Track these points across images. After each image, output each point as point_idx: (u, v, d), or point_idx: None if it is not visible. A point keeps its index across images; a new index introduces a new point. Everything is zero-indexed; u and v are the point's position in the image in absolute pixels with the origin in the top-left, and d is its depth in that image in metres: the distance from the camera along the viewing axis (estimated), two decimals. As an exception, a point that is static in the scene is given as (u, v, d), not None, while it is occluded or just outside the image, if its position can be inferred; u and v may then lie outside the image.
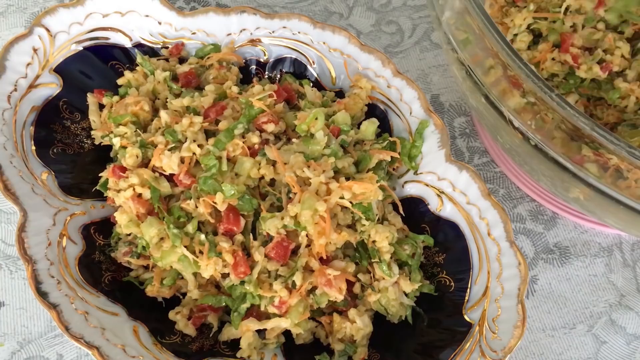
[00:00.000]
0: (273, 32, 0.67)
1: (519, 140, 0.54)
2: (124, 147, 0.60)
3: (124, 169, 0.59)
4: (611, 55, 0.64)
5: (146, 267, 0.60)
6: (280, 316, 0.56)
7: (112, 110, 0.64)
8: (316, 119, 0.59)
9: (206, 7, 0.74)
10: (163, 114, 0.61)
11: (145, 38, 0.68)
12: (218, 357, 0.56)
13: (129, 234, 0.60)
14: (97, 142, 0.65)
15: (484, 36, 0.50)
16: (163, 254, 0.56)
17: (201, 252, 0.55)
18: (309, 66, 0.69)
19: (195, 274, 0.58)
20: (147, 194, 0.58)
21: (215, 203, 0.56)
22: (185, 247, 0.55)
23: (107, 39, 0.67)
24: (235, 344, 0.57)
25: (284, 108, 0.64)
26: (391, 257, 0.58)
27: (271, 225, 0.55)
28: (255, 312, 0.58)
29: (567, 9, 0.66)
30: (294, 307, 0.55)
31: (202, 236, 0.56)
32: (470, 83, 0.56)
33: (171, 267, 0.58)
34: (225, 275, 0.58)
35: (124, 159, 0.59)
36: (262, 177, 0.59)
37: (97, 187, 0.61)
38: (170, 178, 0.59)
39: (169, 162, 0.58)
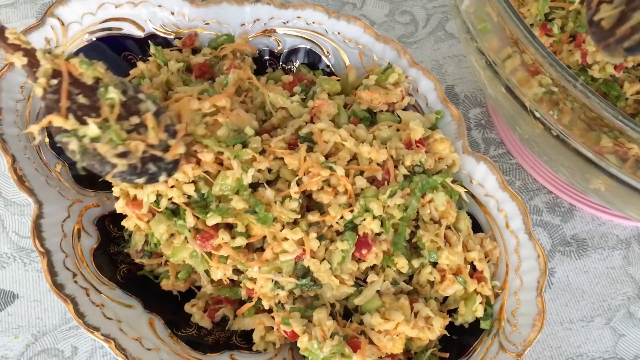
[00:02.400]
0: (287, 22, 0.67)
1: (540, 131, 0.53)
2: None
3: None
4: None
5: (161, 260, 0.60)
6: None
7: (126, 102, 0.63)
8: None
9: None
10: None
11: (158, 28, 0.67)
12: (234, 350, 0.56)
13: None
14: (110, 134, 0.65)
15: (504, 24, 0.49)
16: (174, 251, 0.55)
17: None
18: (323, 57, 0.68)
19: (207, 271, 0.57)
20: None
21: None
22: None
23: (120, 29, 0.66)
24: (251, 337, 0.57)
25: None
26: None
27: None
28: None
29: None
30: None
31: None
32: (490, 73, 0.55)
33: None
34: (238, 272, 0.57)
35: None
36: None
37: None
38: None
39: None
